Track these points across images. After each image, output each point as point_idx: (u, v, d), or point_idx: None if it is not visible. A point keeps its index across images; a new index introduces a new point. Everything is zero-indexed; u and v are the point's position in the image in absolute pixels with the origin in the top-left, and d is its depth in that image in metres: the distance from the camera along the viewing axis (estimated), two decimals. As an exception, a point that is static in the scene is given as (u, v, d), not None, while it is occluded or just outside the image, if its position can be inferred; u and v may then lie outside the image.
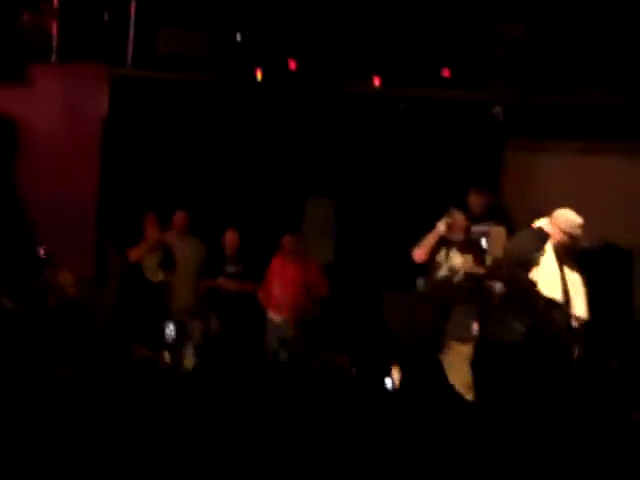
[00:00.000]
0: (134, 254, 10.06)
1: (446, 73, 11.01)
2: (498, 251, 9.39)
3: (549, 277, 8.26)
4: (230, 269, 10.18)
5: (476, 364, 7.26)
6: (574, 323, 8.27)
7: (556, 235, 8.23)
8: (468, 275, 9.13)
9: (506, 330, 8.40)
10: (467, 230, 9.13)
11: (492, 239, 9.44)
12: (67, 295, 9.03)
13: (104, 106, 11.01)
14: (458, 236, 8.98)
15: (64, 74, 11.10)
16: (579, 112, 10.52)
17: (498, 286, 9.01)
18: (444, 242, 9.04)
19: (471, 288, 9.11)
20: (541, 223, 8.41)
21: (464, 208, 9.52)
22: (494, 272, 9.04)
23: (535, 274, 8.29)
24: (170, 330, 7.94)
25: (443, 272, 9.03)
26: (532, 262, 8.34)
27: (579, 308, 8.24)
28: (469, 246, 9.07)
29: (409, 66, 11.05)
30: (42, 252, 10.07)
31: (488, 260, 9.30)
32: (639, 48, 10.49)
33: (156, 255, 10.00)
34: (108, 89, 11.01)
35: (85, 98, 11.03)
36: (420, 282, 9.32)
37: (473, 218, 9.62)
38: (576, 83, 10.43)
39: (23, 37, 11.13)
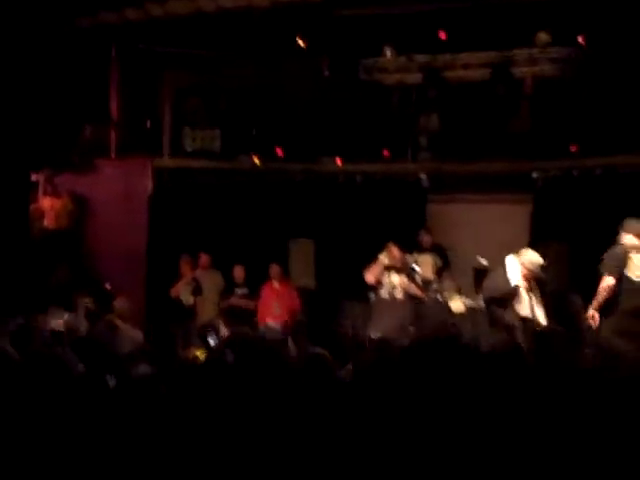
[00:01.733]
0: (175, 291, 10.86)
1: (386, 153, 11.86)
2: (427, 273, 10.53)
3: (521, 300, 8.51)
4: (239, 292, 11.05)
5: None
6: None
7: (523, 270, 8.50)
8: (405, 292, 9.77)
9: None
10: (401, 258, 9.86)
11: (421, 265, 10.37)
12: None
13: (149, 186, 11.61)
14: (395, 262, 9.78)
15: (120, 165, 11.66)
16: (478, 175, 11.51)
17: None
18: (387, 267, 9.75)
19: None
20: (510, 260, 8.63)
21: (410, 244, 10.48)
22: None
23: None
24: (213, 337, 7.77)
25: (386, 288, 9.77)
26: (508, 295, 8.53)
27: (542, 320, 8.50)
28: (404, 269, 9.83)
29: (360, 148, 11.91)
30: (108, 286, 10.78)
31: (418, 278, 10.12)
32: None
33: (189, 286, 11.00)
34: (151, 174, 11.64)
35: (135, 181, 11.56)
36: (371, 296, 10.06)
37: (421, 249, 10.74)
38: (475, 155, 11.39)
39: (90, 140, 11.75)
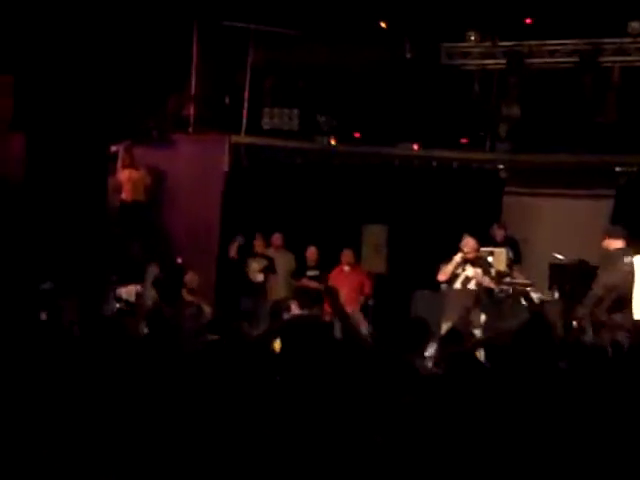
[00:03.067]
0: (232, 250, 10.86)
1: (464, 140, 11.76)
2: (501, 266, 10.19)
3: None
4: (311, 273, 11.00)
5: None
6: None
7: None
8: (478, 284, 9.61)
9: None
10: (477, 250, 9.64)
11: (495, 257, 10.09)
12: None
13: (226, 163, 11.59)
14: (470, 255, 9.53)
15: (197, 140, 11.63)
16: (558, 168, 11.29)
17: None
18: (463, 260, 9.50)
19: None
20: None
21: (483, 236, 10.16)
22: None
23: None
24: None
25: (460, 280, 9.58)
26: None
27: None
28: (478, 262, 9.59)
29: (440, 135, 11.71)
30: (179, 261, 10.67)
31: (492, 271, 9.80)
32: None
33: (259, 263, 10.92)
34: (228, 151, 11.61)
35: (212, 157, 11.57)
36: (444, 287, 9.86)
37: (494, 243, 10.44)
38: (556, 147, 11.11)
39: (170, 114, 11.78)
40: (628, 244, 8.37)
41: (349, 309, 9.53)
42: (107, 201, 10.76)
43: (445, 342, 5.77)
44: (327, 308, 10.20)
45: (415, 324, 5.79)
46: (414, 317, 8.88)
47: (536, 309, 9.39)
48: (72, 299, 6.97)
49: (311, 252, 11.02)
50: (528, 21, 11.26)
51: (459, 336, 5.93)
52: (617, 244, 8.38)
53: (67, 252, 9.55)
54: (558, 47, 11.58)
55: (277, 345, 5.41)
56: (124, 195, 11.19)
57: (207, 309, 9.41)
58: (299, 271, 11.00)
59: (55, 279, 8.31)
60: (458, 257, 9.42)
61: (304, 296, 10.29)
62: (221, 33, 11.68)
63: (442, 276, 9.57)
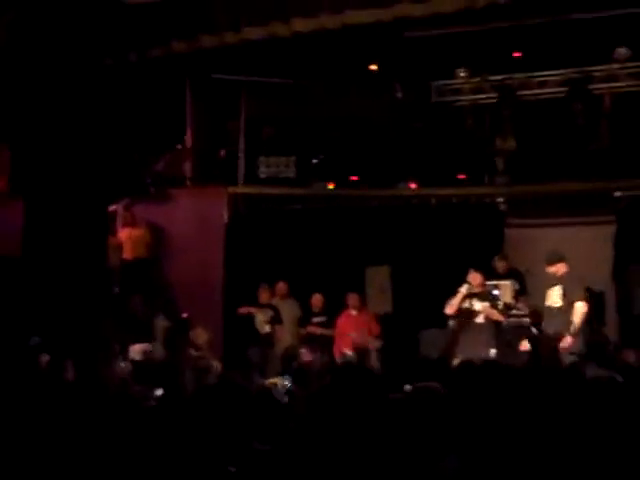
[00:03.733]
0: (244, 310, 10.64)
1: (462, 176, 11.81)
2: (507, 298, 10.13)
3: None
4: (317, 319, 10.87)
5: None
6: None
7: None
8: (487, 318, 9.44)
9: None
10: (483, 284, 9.57)
11: (501, 290, 10.07)
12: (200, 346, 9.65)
13: (225, 214, 11.49)
14: (477, 288, 9.43)
15: (195, 193, 11.66)
16: (557, 197, 11.28)
17: None
18: (469, 295, 9.38)
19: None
20: None
21: (486, 270, 9.97)
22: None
23: None
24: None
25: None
26: None
27: None
28: (485, 295, 9.50)
29: (437, 173, 11.74)
30: (185, 316, 10.49)
31: (500, 304, 9.73)
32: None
33: (265, 314, 10.74)
34: (227, 202, 11.53)
35: (211, 209, 11.48)
36: (450, 323, 9.69)
37: (497, 276, 10.32)
38: (553, 176, 11.11)
39: (165, 169, 11.72)
40: None
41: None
42: (108, 261, 10.61)
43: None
44: (336, 352, 10.38)
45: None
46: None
47: (535, 342, 9.40)
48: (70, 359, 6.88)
49: (316, 299, 10.92)
50: (516, 54, 11.28)
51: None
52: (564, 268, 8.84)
53: (69, 315, 9.45)
54: (548, 78, 11.66)
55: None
56: (125, 254, 11.16)
57: (216, 364, 9.31)
58: (305, 318, 10.90)
59: (55, 341, 8.17)
60: (464, 289, 9.35)
61: (313, 342, 10.24)
62: (213, 86, 11.78)
63: (449, 309, 9.46)
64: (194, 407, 4.36)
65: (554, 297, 8.86)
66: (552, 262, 8.90)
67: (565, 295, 8.74)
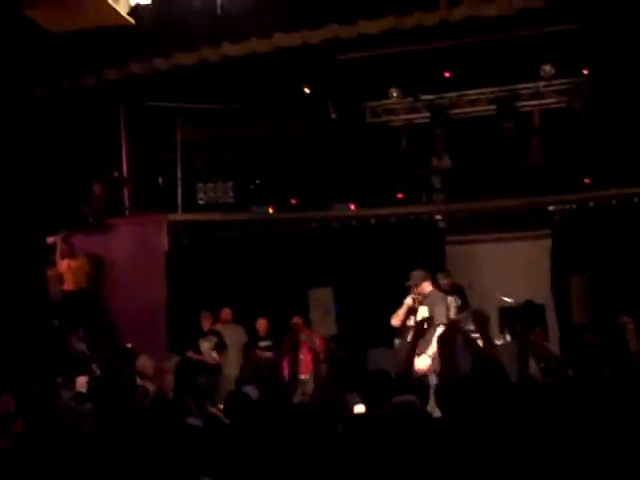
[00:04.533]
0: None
1: (400, 195, 11.85)
2: (451, 313, 9.62)
3: None
4: (263, 344, 10.85)
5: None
6: None
7: None
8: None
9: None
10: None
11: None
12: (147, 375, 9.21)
13: (165, 242, 11.39)
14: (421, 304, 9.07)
15: (134, 222, 11.52)
16: (494, 213, 11.49)
17: None
18: (412, 311, 9.16)
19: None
20: None
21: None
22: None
23: None
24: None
25: (414, 319, 9.04)
26: None
27: None
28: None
29: (375, 193, 11.78)
30: (129, 346, 10.14)
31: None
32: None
33: (210, 341, 10.63)
34: (167, 230, 11.40)
35: (150, 237, 11.38)
36: (396, 341, 9.55)
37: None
38: (489, 193, 11.26)
39: (102, 198, 11.56)
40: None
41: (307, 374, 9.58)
42: (47, 293, 10.35)
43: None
44: (282, 375, 10.27)
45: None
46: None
47: (479, 353, 9.34)
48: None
49: (261, 324, 10.91)
50: (447, 74, 11.43)
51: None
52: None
53: (6, 347, 8.95)
54: (478, 96, 11.82)
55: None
56: (66, 285, 10.98)
57: (151, 389, 8.89)
58: (251, 343, 10.85)
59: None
60: (409, 299, 9.23)
61: (257, 369, 10.24)
62: (147, 114, 11.66)
63: (395, 320, 9.34)
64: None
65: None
66: (417, 282, 8.86)
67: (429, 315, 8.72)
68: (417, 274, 8.98)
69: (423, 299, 8.94)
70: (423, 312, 8.90)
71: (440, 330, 8.42)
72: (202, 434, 4.41)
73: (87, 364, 9.78)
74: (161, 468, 3.96)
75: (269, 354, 10.69)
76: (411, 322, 9.18)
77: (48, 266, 10.64)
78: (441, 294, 9.04)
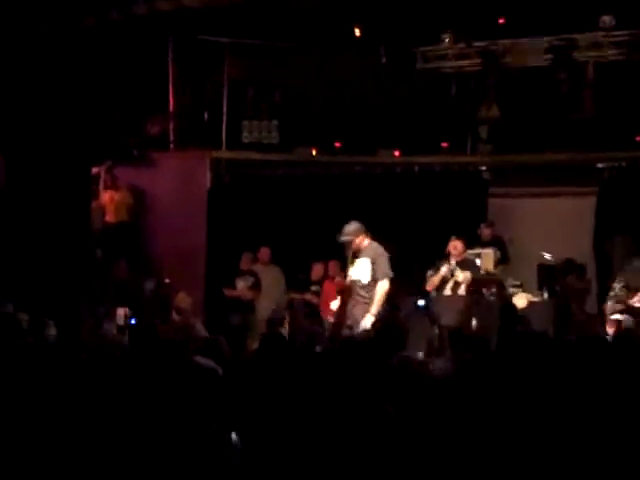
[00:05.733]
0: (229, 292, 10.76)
1: (445, 144, 11.59)
2: (489, 266, 10.06)
3: None
4: (314, 288, 10.84)
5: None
6: None
7: None
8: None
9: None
10: (464, 252, 9.31)
11: (483, 259, 9.94)
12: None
13: (207, 179, 11.38)
14: (458, 258, 9.24)
15: (178, 157, 11.49)
16: (540, 167, 11.17)
17: None
18: (445, 280, 9.15)
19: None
20: None
21: (471, 237, 9.94)
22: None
23: None
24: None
25: (449, 287, 9.26)
26: None
27: None
28: (467, 265, 9.31)
29: (420, 140, 11.55)
30: (167, 281, 10.52)
31: (481, 274, 9.59)
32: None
33: (247, 281, 10.74)
34: (210, 167, 11.40)
35: (193, 174, 11.34)
36: (433, 294, 9.46)
37: (480, 243, 10.30)
38: (536, 146, 11.01)
39: (149, 135, 11.54)
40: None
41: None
42: (91, 224, 10.55)
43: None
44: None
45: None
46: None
47: (506, 302, 9.35)
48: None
49: (316, 268, 10.83)
50: (501, 21, 11.10)
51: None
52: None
53: (51, 276, 9.39)
54: (532, 45, 11.43)
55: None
56: (107, 217, 11.09)
57: (200, 327, 9.03)
58: (303, 285, 10.84)
59: (37, 303, 7.92)
60: (445, 268, 9.18)
61: (300, 309, 10.21)
62: (196, 48, 11.50)
63: (429, 286, 9.38)
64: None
65: (360, 272, 8.55)
66: (350, 237, 8.57)
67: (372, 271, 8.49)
68: (350, 229, 8.65)
69: (359, 252, 8.63)
70: (362, 265, 8.55)
71: (385, 284, 8.40)
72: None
73: (131, 296, 9.91)
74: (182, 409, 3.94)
75: (316, 298, 10.61)
76: (446, 291, 9.24)
77: (91, 197, 10.78)
78: (380, 247, 8.69)
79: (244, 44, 11.50)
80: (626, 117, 10.72)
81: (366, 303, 8.48)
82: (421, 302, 9.61)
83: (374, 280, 8.53)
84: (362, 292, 8.57)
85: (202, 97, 11.90)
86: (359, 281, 8.58)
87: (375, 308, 8.39)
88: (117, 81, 10.89)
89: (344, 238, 8.66)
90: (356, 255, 8.67)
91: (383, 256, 8.64)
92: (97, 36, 10.22)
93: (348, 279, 8.72)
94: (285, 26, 10.92)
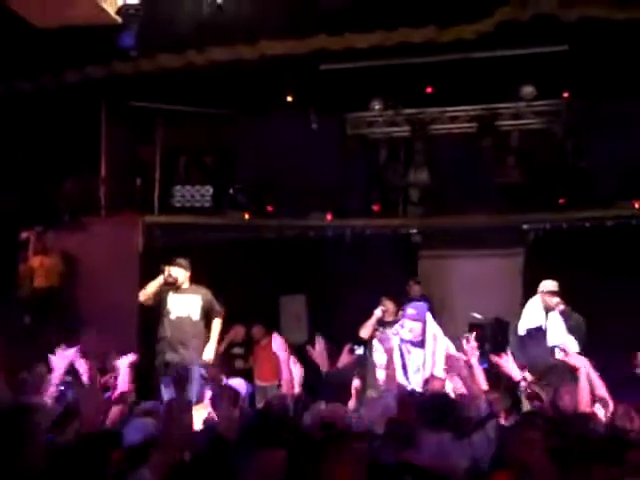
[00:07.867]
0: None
1: (376, 208, 11.84)
2: None
3: None
4: (237, 351, 10.82)
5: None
6: None
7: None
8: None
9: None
10: (396, 312, 9.34)
11: None
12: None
13: (140, 243, 11.28)
14: (391, 317, 9.39)
15: (110, 221, 11.35)
16: (469, 229, 11.44)
17: None
18: (381, 323, 9.37)
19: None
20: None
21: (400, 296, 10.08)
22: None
23: None
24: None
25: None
26: None
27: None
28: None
29: (351, 204, 11.94)
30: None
31: None
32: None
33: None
34: (142, 231, 11.31)
35: (125, 238, 11.22)
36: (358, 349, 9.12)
37: (410, 300, 9.96)
38: (465, 209, 11.28)
39: (79, 197, 11.38)
40: None
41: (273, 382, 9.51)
42: (20, 289, 10.41)
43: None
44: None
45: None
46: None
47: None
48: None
49: (238, 331, 10.82)
50: (429, 90, 11.48)
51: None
52: None
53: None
54: (458, 113, 11.90)
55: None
56: (37, 282, 10.82)
57: None
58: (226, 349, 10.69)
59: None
60: (378, 311, 9.37)
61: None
62: (128, 114, 11.59)
63: (364, 332, 9.42)
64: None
65: (190, 307, 8.91)
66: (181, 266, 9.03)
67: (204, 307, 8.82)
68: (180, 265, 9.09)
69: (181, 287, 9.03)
70: (192, 302, 8.90)
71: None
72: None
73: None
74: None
75: (241, 362, 10.66)
76: (379, 334, 9.00)
77: (20, 262, 10.63)
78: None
79: (176, 110, 11.61)
80: (549, 182, 11.15)
81: None
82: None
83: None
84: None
85: (134, 162, 11.93)
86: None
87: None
88: (49, 145, 10.85)
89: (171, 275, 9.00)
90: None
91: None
92: (30, 100, 10.28)
93: None
94: (217, 92, 11.14)
